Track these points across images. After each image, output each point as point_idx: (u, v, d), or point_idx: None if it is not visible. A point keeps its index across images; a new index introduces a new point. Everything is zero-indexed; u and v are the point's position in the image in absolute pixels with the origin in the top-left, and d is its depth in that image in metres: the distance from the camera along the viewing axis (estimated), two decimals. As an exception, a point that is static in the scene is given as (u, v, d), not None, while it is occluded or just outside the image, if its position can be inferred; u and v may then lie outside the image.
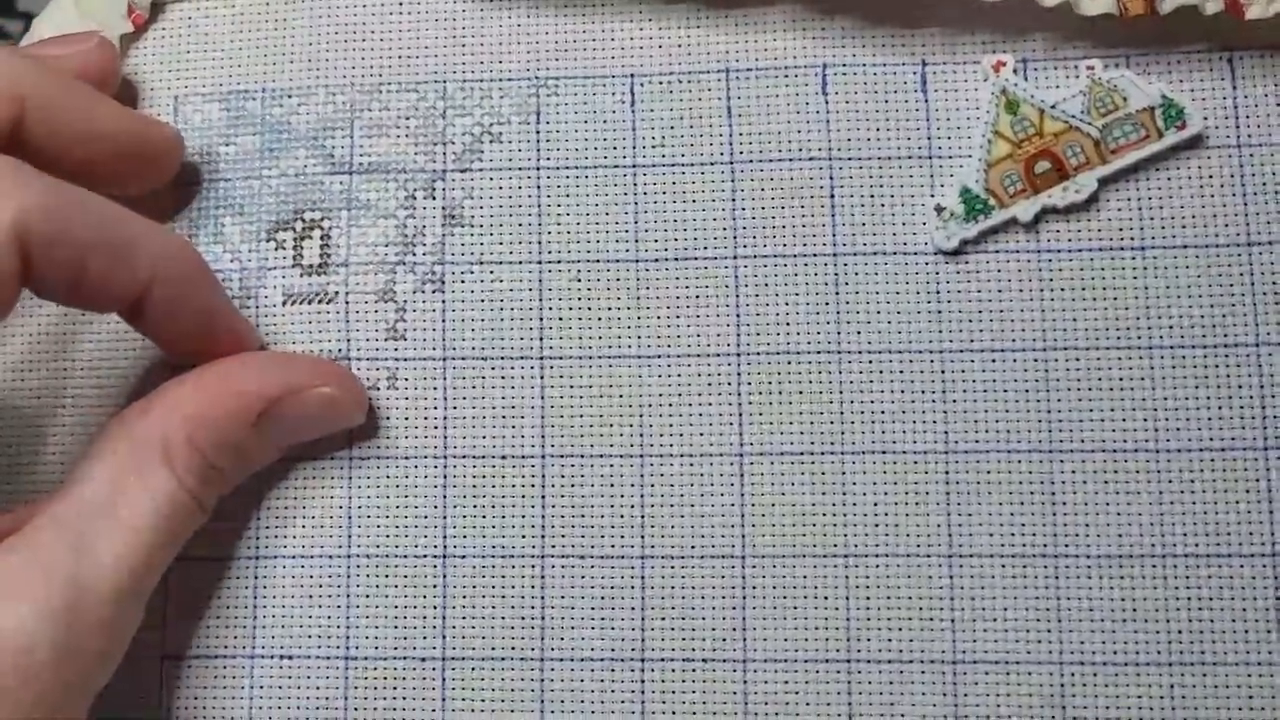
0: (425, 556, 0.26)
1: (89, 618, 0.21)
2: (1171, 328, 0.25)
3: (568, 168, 0.27)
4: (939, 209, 0.26)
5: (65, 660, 0.20)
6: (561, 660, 0.25)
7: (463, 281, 0.27)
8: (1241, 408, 0.25)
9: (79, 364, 0.27)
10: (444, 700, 0.25)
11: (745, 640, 0.25)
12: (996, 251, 0.26)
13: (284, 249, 0.27)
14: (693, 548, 0.25)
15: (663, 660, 0.25)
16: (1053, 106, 0.26)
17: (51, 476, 0.27)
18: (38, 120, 0.22)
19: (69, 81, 0.24)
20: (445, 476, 0.26)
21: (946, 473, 0.25)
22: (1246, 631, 0.24)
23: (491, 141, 0.27)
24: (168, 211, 0.27)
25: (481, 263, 0.27)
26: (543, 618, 0.25)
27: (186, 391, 0.23)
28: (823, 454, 0.25)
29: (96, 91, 0.24)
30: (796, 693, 0.25)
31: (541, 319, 0.26)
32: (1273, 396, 0.25)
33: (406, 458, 0.26)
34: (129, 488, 0.22)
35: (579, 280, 0.26)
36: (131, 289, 0.22)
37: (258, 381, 0.24)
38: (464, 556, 0.26)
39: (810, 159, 0.26)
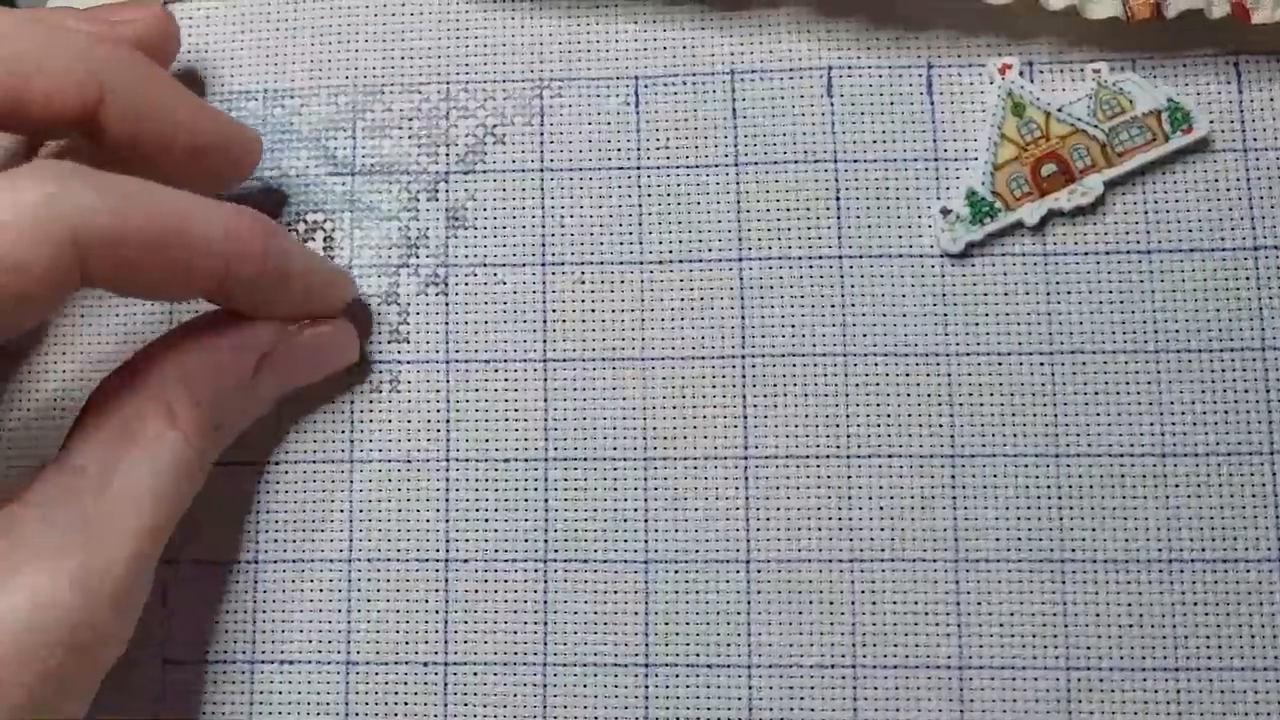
0: (427, 561, 0.25)
1: (105, 588, 0.20)
2: (1178, 331, 0.25)
3: (572, 169, 0.27)
4: (945, 212, 0.26)
5: (79, 634, 0.20)
6: (565, 666, 0.25)
7: (466, 284, 0.26)
8: (1248, 412, 0.25)
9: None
10: (446, 706, 0.25)
11: (750, 646, 0.25)
12: (1003, 254, 0.26)
13: (287, 250, 0.27)
14: (697, 552, 0.25)
15: (667, 666, 0.25)
16: (1059, 109, 0.26)
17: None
18: (117, 111, 0.22)
19: (151, 71, 0.23)
20: (448, 480, 0.26)
21: (953, 477, 0.25)
22: (1253, 637, 0.24)
23: (495, 143, 0.27)
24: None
25: (485, 265, 0.26)
26: (546, 623, 0.25)
27: (180, 352, 0.23)
28: (828, 458, 0.25)
29: (178, 84, 0.23)
30: (801, 698, 0.25)
31: (545, 321, 0.26)
32: (1279, 400, 0.25)
33: (409, 461, 0.26)
34: (132, 453, 0.21)
35: (583, 282, 0.26)
36: (207, 277, 0.22)
37: (250, 331, 0.23)
38: (466, 561, 0.25)
39: (815, 161, 0.26)
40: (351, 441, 0.26)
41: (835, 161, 0.26)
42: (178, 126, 0.23)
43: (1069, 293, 0.25)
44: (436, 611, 0.25)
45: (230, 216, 0.22)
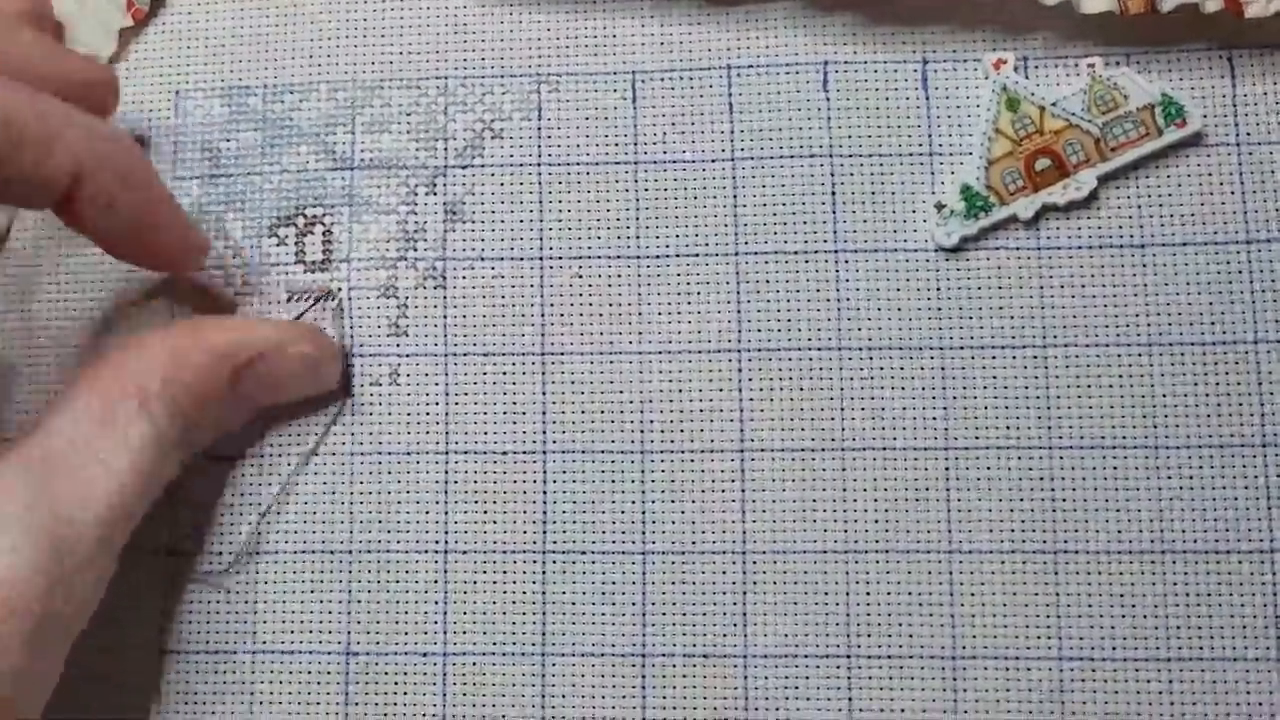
0: (426, 552, 0.26)
1: (76, 550, 0.21)
2: (1170, 324, 0.25)
3: (569, 164, 0.27)
4: (940, 206, 0.26)
5: (53, 594, 0.20)
6: (562, 655, 0.25)
7: (464, 277, 0.27)
8: (1240, 404, 0.25)
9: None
10: (444, 695, 0.25)
11: (746, 635, 0.25)
12: (997, 248, 0.26)
13: (286, 245, 0.27)
14: (693, 543, 0.25)
15: (663, 655, 0.25)
16: (1053, 104, 0.26)
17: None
18: (91, 197, 0.22)
19: (132, 165, 0.23)
20: (447, 472, 0.26)
21: (946, 468, 0.25)
22: (1244, 627, 0.24)
23: (493, 138, 0.27)
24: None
25: (483, 259, 0.27)
26: (544, 613, 0.25)
27: (161, 347, 0.23)
28: (823, 450, 0.25)
29: (152, 177, 0.24)
30: (797, 687, 0.25)
31: (543, 315, 0.26)
32: (1271, 394, 0.25)
33: (408, 453, 0.26)
34: (107, 432, 0.22)
35: (580, 276, 0.26)
36: (56, 182, 0.22)
37: (233, 339, 0.24)
38: (465, 552, 0.26)
39: (811, 156, 0.26)
40: (351, 433, 0.26)
41: (831, 156, 0.26)
42: (141, 227, 0.24)
43: (1062, 287, 0.25)
44: (435, 602, 0.26)
45: (100, 125, 0.22)
